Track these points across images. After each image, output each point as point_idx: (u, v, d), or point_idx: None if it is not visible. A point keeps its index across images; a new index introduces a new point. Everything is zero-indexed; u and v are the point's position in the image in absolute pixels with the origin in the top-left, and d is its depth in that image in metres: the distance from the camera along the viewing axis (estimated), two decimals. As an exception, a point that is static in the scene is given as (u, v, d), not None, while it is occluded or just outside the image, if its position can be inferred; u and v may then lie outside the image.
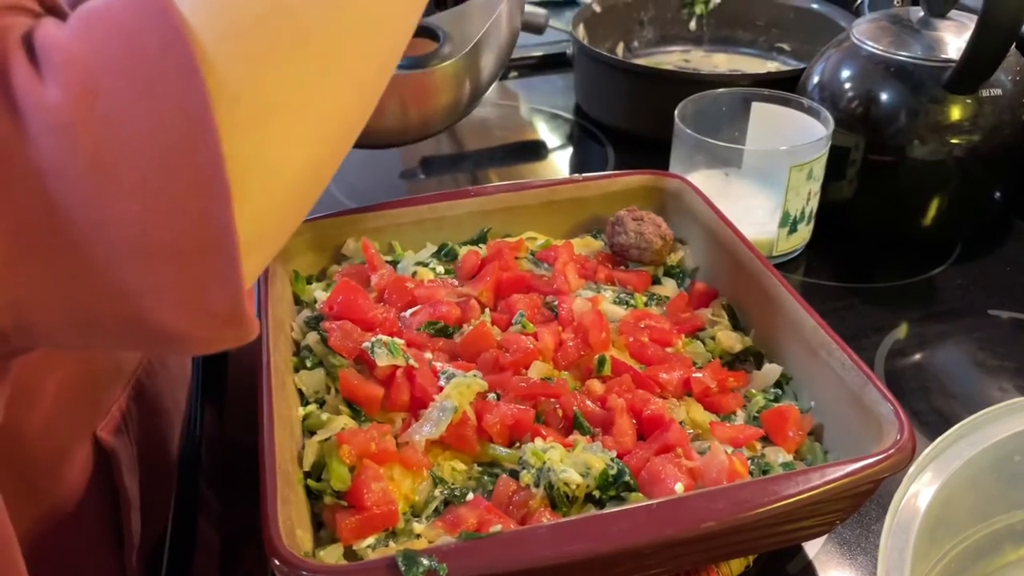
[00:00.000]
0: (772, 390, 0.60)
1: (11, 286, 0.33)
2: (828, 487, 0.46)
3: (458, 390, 0.55)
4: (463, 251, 0.71)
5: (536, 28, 1.05)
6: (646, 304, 0.68)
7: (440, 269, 0.70)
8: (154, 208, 0.32)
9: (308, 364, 0.60)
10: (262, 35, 0.34)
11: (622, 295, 0.68)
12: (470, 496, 0.51)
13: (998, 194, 0.84)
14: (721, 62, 1.19)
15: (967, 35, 0.73)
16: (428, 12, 0.80)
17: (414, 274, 0.69)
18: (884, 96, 0.79)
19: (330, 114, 0.38)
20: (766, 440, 0.56)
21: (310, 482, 0.51)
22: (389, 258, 0.71)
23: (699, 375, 0.59)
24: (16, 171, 0.32)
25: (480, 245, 0.72)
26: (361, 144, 0.79)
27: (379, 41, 0.40)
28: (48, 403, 0.48)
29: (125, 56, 0.32)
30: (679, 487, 0.49)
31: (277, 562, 0.43)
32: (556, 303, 0.65)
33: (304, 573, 0.42)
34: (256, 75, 0.34)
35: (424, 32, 0.69)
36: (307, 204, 0.40)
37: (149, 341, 0.37)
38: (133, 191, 0.32)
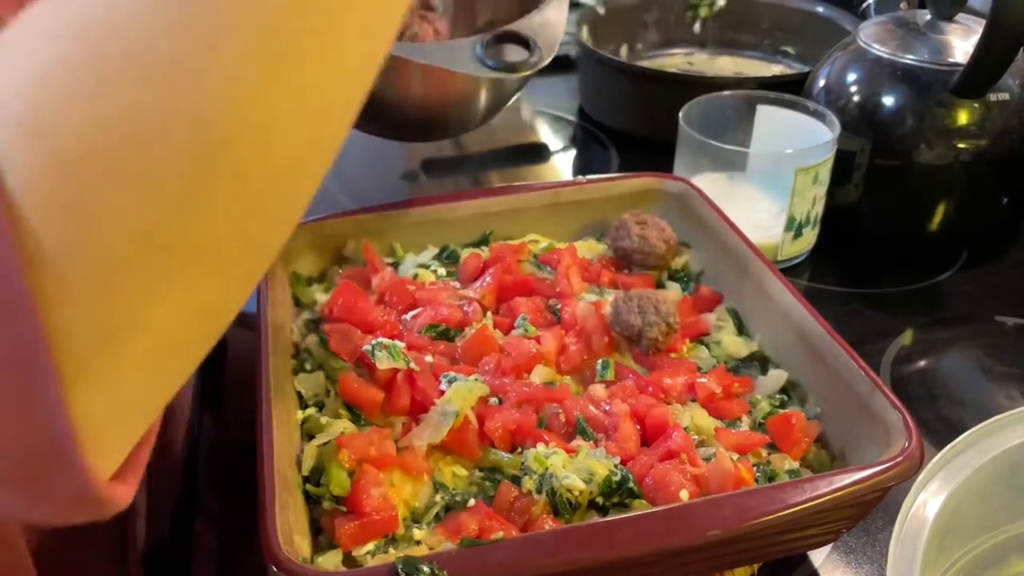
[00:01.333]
0: (778, 396, 0.59)
1: None
2: (835, 495, 0.46)
3: (459, 394, 0.54)
4: (465, 253, 0.71)
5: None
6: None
7: (442, 271, 0.69)
8: None
9: (307, 367, 0.59)
10: (93, 165, 0.24)
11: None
12: (471, 502, 0.50)
13: (1005, 199, 0.83)
14: (725, 65, 1.18)
15: (975, 39, 0.73)
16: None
17: (415, 276, 0.68)
18: (891, 100, 0.79)
19: (204, 254, 0.28)
20: (772, 447, 0.55)
21: (309, 487, 0.51)
22: (390, 260, 0.71)
23: (704, 380, 0.58)
24: None
25: (482, 247, 0.72)
26: (386, 135, 0.81)
27: (277, 154, 0.28)
28: None
29: None
30: (684, 494, 0.49)
31: (275, 568, 0.42)
32: (559, 306, 0.65)
33: (302, 580, 0.41)
34: (86, 226, 0.25)
35: (515, 39, 0.71)
36: (195, 358, 0.31)
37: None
38: None
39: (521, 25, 0.71)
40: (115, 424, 0.28)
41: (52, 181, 0.24)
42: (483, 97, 0.78)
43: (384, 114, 0.75)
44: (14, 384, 0.25)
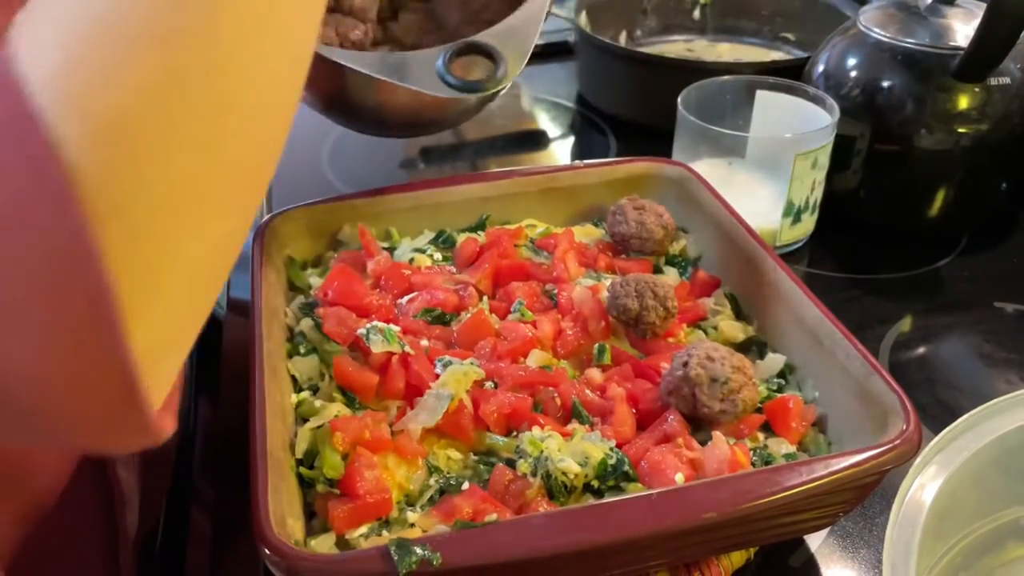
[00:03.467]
0: (775, 380, 0.58)
1: None
2: (832, 478, 0.45)
3: (455, 378, 0.54)
4: (461, 238, 0.70)
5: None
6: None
7: (438, 256, 0.69)
8: (42, 350, 0.29)
9: (302, 350, 0.59)
10: (140, 130, 0.29)
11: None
12: (466, 485, 0.50)
13: (1005, 185, 0.83)
14: (725, 51, 1.18)
15: (975, 22, 0.72)
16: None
17: (411, 261, 0.68)
18: (891, 84, 0.78)
19: (225, 195, 0.33)
20: (769, 431, 0.55)
21: (302, 470, 0.50)
22: (386, 244, 0.70)
23: (701, 365, 0.58)
24: None
25: (479, 232, 0.71)
26: (372, 132, 0.79)
27: (269, 108, 0.34)
28: None
29: None
30: (679, 477, 0.48)
31: (267, 551, 0.42)
32: (556, 291, 0.64)
33: (295, 562, 0.41)
34: (137, 179, 0.29)
35: (480, 50, 0.66)
36: (218, 281, 0.36)
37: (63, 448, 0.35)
38: (16, 333, 0.29)
39: (487, 36, 0.66)
40: (162, 357, 0.32)
41: (101, 147, 0.28)
42: (459, 104, 0.73)
43: (363, 116, 0.73)
44: (88, 326, 0.28)
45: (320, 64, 0.58)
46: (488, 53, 0.65)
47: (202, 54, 0.30)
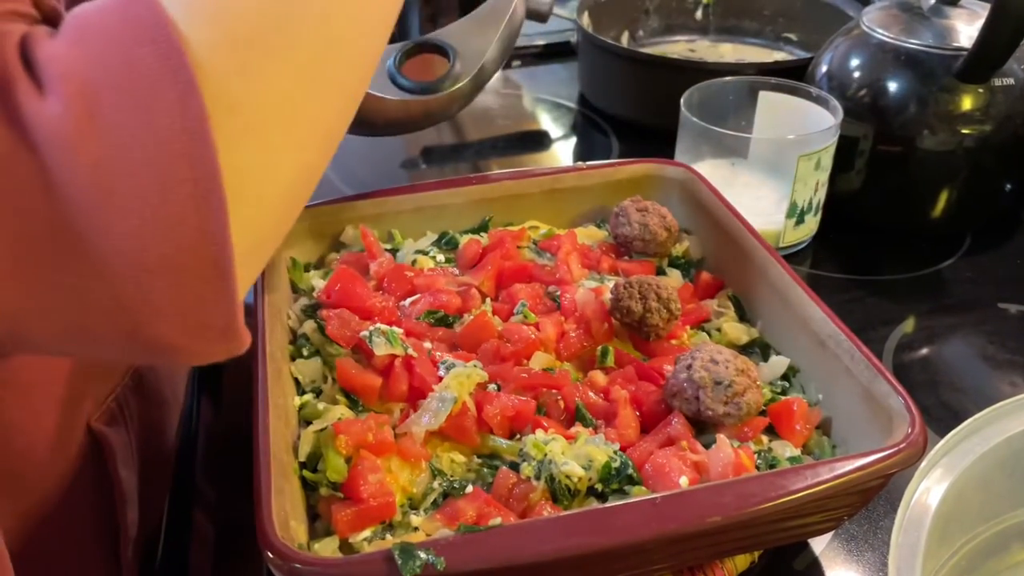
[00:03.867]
0: (779, 383, 0.58)
1: (10, 296, 0.33)
2: (837, 482, 0.45)
3: (458, 380, 0.53)
4: (464, 239, 0.70)
5: (540, 16, 1.04)
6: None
7: (440, 258, 0.69)
8: (152, 223, 0.32)
9: (305, 353, 0.59)
10: (256, 45, 0.35)
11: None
12: (469, 488, 0.50)
13: (1009, 186, 0.83)
14: (727, 52, 1.18)
15: (979, 23, 0.72)
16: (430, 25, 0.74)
17: (414, 262, 0.67)
18: (894, 85, 0.78)
19: (319, 119, 0.39)
20: (773, 434, 0.54)
21: (306, 473, 0.50)
22: (388, 246, 0.70)
23: (704, 367, 0.58)
24: (18, 183, 0.32)
25: (481, 234, 0.71)
26: (362, 132, 0.78)
27: (363, 46, 0.41)
28: (37, 392, 0.47)
29: (122, 69, 0.32)
30: (683, 480, 0.48)
31: (270, 554, 0.42)
32: (558, 293, 0.64)
33: (297, 565, 0.41)
34: (251, 85, 0.34)
35: (433, 48, 0.64)
36: (297, 209, 0.41)
37: (142, 353, 0.37)
38: (131, 205, 0.32)
39: (442, 35, 0.66)
40: (246, 261, 0.35)
41: (224, 53, 0.33)
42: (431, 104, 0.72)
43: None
44: (194, 207, 0.32)
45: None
46: (442, 51, 0.64)
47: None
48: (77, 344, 0.37)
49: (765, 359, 0.60)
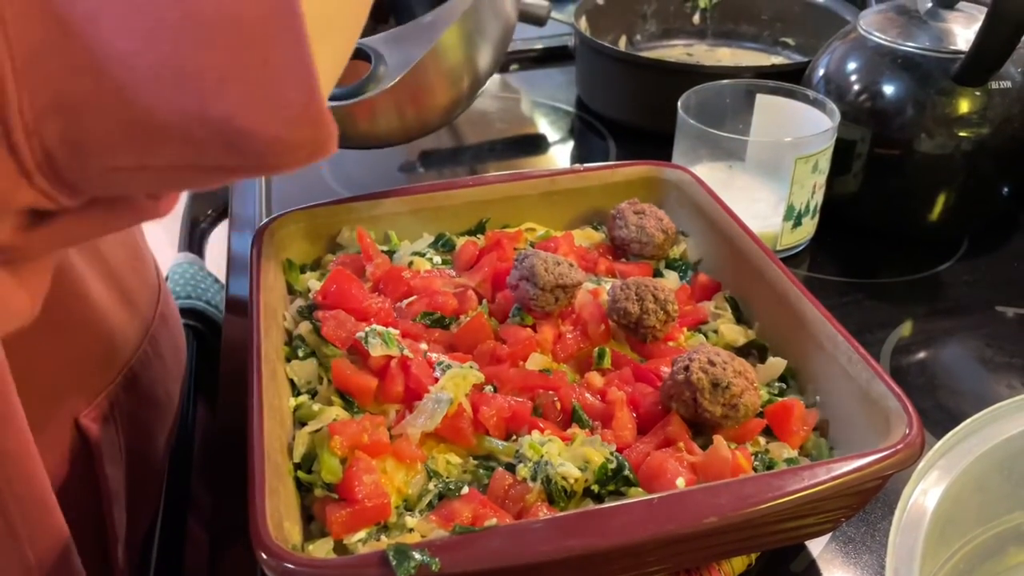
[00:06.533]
0: (776, 384, 0.58)
1: (55, 72, 0.30)
2: (834, 483, 0.45)
3: (454, 381, 0.53)
4: (461, 241, 0.70)
5: (538, 20, 1.04)
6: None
7: (437, 259, 0.69)
8: (246, 53, 0.30)
9: (300, 354, 0.58)
10: None
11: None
12: (465, 490, 0.50)
13: (1006, 189, 0.82)
14: (724, 56, 1.18)
15: (976, 26, 0.72)
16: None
17: (410, 264, 0.67)
18: (891, 88, 0.78)
19: None
20: (770, 435, 0.54)
21: (300, 474, 0.50)
22: (385, 248, 0.70)
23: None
24: None
25: (478, 235, 0.71)
26: (357, 145, 0.77)
27: None
28: (25, 386, 0.47)
29: None
30: (680, 482, 0.48)
31: (264, 555, 0.41)
32: (555, 295, 0.64)
33: (290, 566, 0.41)
34: None
35: (355, 54, 0.63)
36: (347, 53, 0.39)
37: (215, 148, 0.32)
38: (237, 42, 0.30)
39: (369, 41, 0.64)
40: (327, 28, 0.35)
41: None
42: (440, 93, 0.71)
43: None
44: (284, 44, 0.31)
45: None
46: (363, 55, 0.64)
47: None
48: (141, 149, 0.32)
49: (762, 361, 0.60)
